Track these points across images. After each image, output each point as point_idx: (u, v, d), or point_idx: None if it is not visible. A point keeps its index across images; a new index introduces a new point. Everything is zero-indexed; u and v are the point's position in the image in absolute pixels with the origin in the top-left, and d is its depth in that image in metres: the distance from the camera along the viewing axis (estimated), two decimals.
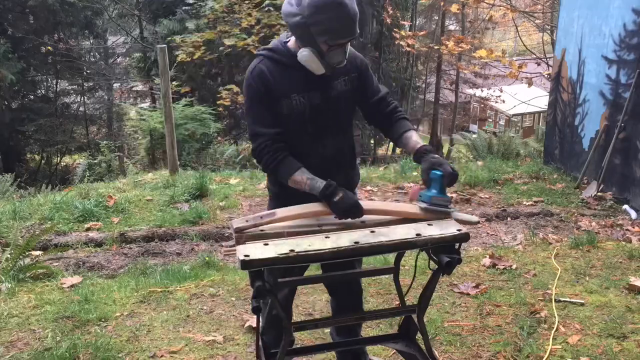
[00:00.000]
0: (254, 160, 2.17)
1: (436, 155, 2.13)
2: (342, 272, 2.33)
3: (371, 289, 3.51)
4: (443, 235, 2.00)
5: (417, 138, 2.23)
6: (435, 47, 10.55)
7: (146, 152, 9.12)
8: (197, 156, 9.04)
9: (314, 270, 3.71)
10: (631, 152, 5.18)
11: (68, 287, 3.65)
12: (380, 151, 20.42)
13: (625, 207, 5.14)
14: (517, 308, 3.25)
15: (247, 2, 9.58)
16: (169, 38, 10.63)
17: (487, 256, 3.97)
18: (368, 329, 3.04)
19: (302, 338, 2.92)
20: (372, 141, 19.11)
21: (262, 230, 2.07)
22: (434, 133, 21.88)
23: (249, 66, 2.18)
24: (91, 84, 18.38)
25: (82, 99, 18.87)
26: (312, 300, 3.39)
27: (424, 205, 2.09)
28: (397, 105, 2.33)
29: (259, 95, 2.10)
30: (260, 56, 2.16)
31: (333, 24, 1.98)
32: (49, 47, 15.51)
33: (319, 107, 2.16)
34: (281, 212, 2.07)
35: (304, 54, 2.05)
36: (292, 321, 2.16)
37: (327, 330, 2.98)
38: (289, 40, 2.17)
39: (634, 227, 4.69)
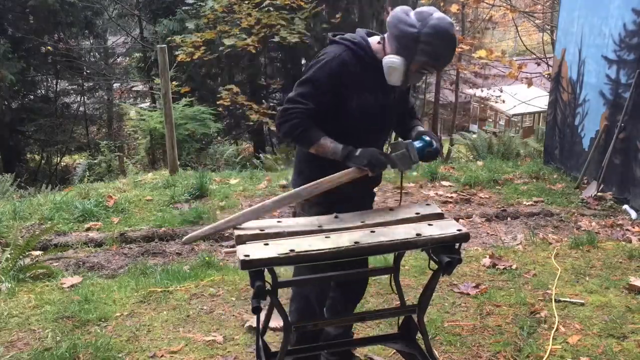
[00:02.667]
0: (274, 123, 2.26)
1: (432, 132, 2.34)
2: (342, 272, 2.34)
3: (371, 289, 3.51)
4: (443, 235, 2.00)
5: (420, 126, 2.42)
6: None
7: (146, 152, 9.13)
8: (197, 156, 9.05)
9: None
10: (631, 152, 5.18)
11: (68, 287, 3.64)
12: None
13: (625, 207, 5.14)
14: (517, 308, 3.25)
15: (247, 2, 9.57)
16: (169, 38, 10.61)
17: (487, 256, 3.97)
18: (368, 329, 3.04)
19: None
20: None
21: (262, 230, 2.08)
22: (434, 133, 21.87)
23: (327, 49, 2.22)
24: (91, 84, 18.35)
25: (82, 99, 18.85)
26: None
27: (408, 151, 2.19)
28: (415, 113, 2.51)
29: (329, 82, 2.13)
30: (343, 45, 2.18)
31: (441, 52, 2.10)
32: (49, 47, 15.50)
33: (383, 108, 2.26)
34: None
35: (394, 62, 2.10)
36: (292, 321, 2.17)
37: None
38: (371, 39, 2.22)
39: (634, 227, 4.69)
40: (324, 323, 2.43)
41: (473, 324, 3.10)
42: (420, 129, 2.35)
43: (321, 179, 2.12)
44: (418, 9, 2.11)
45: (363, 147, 2.17)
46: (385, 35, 2.18)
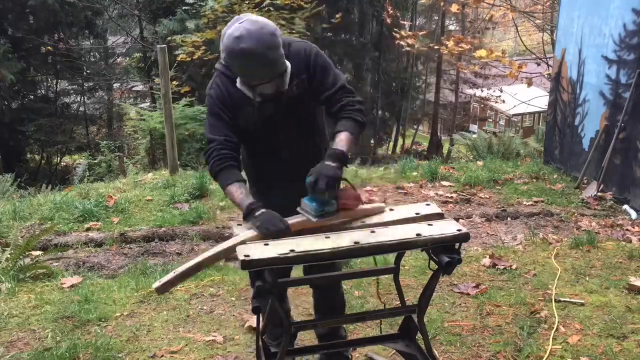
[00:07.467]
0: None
1: (328, 163, 2.03)
2: (342, 272, 2.34)
3: (371, 289, 3.51)
4: (443, 235, 2.00)
5: (340, 140, 2.11)
6: (435, 47, 10.54)
7: (146, 152, 9.12)
8: (197, 156, 9.04)
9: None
10: (631, 152, 5.18)
11: (68, 287, 3.64)
12: (380, 151, 20.45)
13: (625, 207, 5.14)
14: (517, 308, 3.25)
15: (247, 2, 9.57)
16: (169, 38, 10.61)
17: (487, 256, 3.97)
18: (368, 329, 3.04)
19: (302, 338, 2.91)
20: (372, 141, 19.13)
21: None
22: (434, 133, 21.90)
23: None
24: (91, 84, 18.38)
25: (82, 99, 18.88)
26: (312, 301, 3.38)
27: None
28: (348, 102, 2.20)
29: (215, 107, 2.18)
30: (217, 71, 2.23)
31: (244, 71, 2.04)
32: (49, 47, 15.52)
33: (273, 117, 2.20)
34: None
35: (238, 83, 2.10)
36: (292, 321, 2.17)
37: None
38: None
39: (634, 227, 4.69)
40: (323, 323, 2.43)
41: (473, 324, 3.10)
42: (336, 138, 2.12)
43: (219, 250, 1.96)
44: (230, 26, 2.02)
45: (274, 150, 2.23)
46: None
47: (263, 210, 2.00)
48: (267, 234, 1.93)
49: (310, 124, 2.33)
